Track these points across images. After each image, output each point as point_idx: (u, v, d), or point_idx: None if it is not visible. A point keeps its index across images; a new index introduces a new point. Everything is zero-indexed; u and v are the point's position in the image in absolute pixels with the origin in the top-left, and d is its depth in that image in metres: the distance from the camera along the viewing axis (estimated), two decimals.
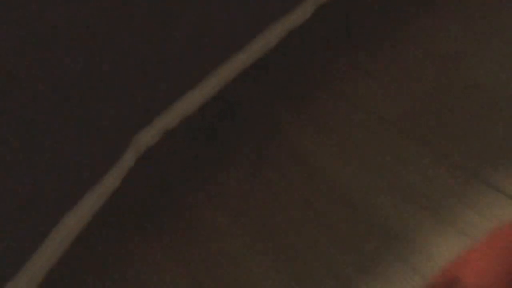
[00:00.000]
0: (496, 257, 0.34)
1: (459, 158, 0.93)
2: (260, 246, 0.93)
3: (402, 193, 0.93)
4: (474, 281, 0.34)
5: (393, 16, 1.23)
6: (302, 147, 1.06)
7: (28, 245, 0.78)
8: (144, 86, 0.93)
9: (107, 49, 0.88)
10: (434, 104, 1.02)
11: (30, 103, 0.79)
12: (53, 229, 0.81)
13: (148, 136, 0.93)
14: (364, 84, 1.12)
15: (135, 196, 1.11)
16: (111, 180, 0.89)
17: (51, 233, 0.81)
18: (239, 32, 1.00)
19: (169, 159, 1.15)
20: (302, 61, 1.23)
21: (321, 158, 1.03)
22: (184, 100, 0.96)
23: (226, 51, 0.96)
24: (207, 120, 1.19)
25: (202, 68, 0.98)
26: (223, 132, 1.16)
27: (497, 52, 1.06)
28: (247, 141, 1.12)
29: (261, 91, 1.20)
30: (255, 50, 1.00)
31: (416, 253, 0.85)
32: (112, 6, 0.85)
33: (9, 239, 0.76)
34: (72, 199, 0.82)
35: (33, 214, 0.79)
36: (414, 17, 1.21)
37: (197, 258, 0.95)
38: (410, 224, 0.88)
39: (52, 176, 0.81)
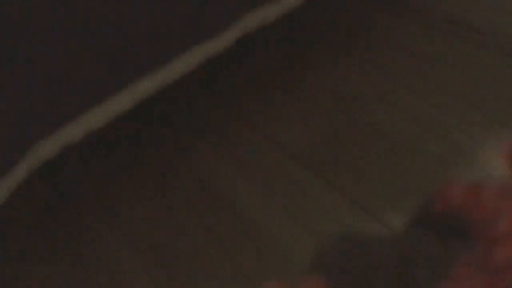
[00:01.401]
0: None
1: (353, 193, 0.94)
2: (152, 269, 0.90)
3: (304, 227, 0.92)
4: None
5: (306, 57, 1.24)
6: (207, 173, 1.04)
7: None
8: (47, 96, 0.88)
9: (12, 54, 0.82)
10: (337, 142, 1.04)
11: None
12: None
13: (47, 148, 0.88)
14: (274, 118, 1.12)
15: (27, 210, 1.05)
16: (1, 191, 0.83)
17: None
18: (160, 48, 0.97)
19: (67, 172, 1.10)
20: (217, 89, 1.21)
21: (225, 185, 1.01)
22: (90, 114, 0.91)
23: (144, 68, 0.93)
24: (110, 137, 1.14)
25: (110, 85, 0.94)
26: (128, 151, 1.12)
27: (401, 100, 1.10)
28: (153, 163, 1.08)
29: (170, 114, 1.17)
30: (175, 70, 0.97)
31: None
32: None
33: None
34: None
35: None
36: (327, 61, 1.22)
37: (81, 276, 0.90)
38: (304, 250, 0.87)
39: None
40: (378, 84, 1.14)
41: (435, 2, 1.31)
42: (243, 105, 1.16)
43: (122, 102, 0.93)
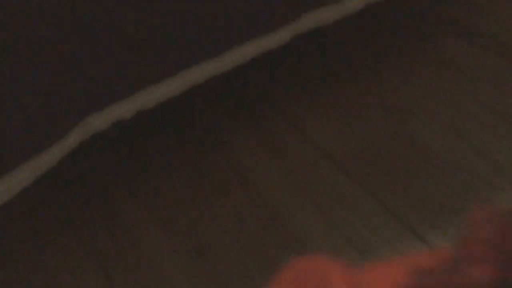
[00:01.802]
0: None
1: (390, 203, 0.94)
2: (183, 251, 0.92)
3: (335, 229, 0.93)
4: None
5: (359, 64, 1.25)
6: (244, 165, 1.05)
7: None
8: (103, 72, 0.91)
9: (77, 30, 0.85)
10: (379, 151, 1.04)
11: None
12: None
13: (99, 121, 0.91)
14: (317, 122, 1.13)
15: (65, 187, 1.08)
16: (49, 157, 0.86)
17: None
18: (214, 39, 0.99)
19: (104, 156, 1.12)
20: (263, 85, 1.23)
21: (262, 180, 1.03)
22: (144, 94, 0.94)
23: (196, 56, 0.95)
24: (146, 123, 1.17)
25: (166, 67, 0.97)
26: (171, 137, 1.14)
27: (446, 118, 1.10)
28: (195, 151, 1.10)
29: (213, 106, 1.19)
30: (226, 62, 0.99)
31: None
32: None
33: None
34: (3, 168, 0.79)
35: None
36: (374, 72, 1.23)
37: (114, 257, 0.93)
38: (334, 249, 0.88)
39: None
40: (424, 100, 1.14)
41: (486, 22, 1.30)
42: (287, 105, 1.17)
43: (174, 86, 0.96)
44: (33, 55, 0.84)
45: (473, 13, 1.34)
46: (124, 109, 0.91)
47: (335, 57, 1.27)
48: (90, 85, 0.91)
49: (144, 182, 1.05)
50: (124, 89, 0.93)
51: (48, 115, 0.87)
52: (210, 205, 1.00)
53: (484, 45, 1.25)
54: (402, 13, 1.36)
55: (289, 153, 1.08)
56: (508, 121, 1.08)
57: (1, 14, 0.77)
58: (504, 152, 1.03)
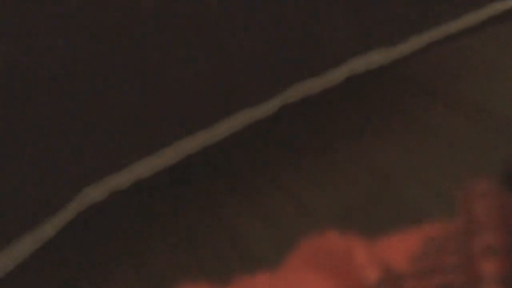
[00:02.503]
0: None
1: None
2: None
3: None
4: None
5: (339, 131, 1.30)
6: (238, 231, 1.07)
7: None
8: (101, 143, 0.94)
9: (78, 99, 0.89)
10: (365, 213, 1.07)
11: None
12: None
13: (96, 192, 0.93)
14: (306, 184, 1.16)
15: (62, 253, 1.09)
16: (49, 229, 0.87)
17: None
18: (206, 110, 1.03)
19: (99, 224, 1.14)
20: (255, 152, 1.27)
21: (252, 240, 1.04)
22: (140, 164, 0.97)
23: (190, 127, 0.98)
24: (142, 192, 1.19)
25: (160, 138, 1.00)
26: (164, 200, 1.16)
27: (431, 179, 1.14)
28: (186, 214, 1.12)
29: (207, 172, 1.22)
30: (219, 132, 1.03)
31: None
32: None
33: None
34: (4, 241, 0.80)
35: None
36: (359, 136, 1.27)
37: None
38: None
39: None
40: (405, 160, 1.19)
41: (462, 88, 1.37)
42: (278, 171, 1.20)
43: (169, 156, 0.99)
44: (30, 131, 0.87)
45: (450, 81, 1.41)
46: (121, 180, 0.94)
47: (321, 124, 1.32)
48: (87, 157, 0.94)
49: (139, 245, 1.06)
50: (120, 160, 0.96)
51: (47, 188, 0.89)
52: (203, 270, 1.01)
53: (457, 108, 1.31)
54: (383, 81, 1.43)
55: (282, 218, 1.10)
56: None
57: None
58: None
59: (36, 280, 1.03)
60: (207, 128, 1.04)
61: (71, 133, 0.93)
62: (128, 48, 0.92)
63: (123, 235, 1.10)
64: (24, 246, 0.81)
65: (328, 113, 1.35)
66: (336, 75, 1.11)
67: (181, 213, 1.12)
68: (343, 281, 0.27)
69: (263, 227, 1.09)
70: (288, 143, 1.28)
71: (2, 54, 0.81)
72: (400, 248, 0.29)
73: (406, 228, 1.05)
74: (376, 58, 1.15)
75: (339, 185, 1.15)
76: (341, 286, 0.27)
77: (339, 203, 1.11)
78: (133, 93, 0.95)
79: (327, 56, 1.08)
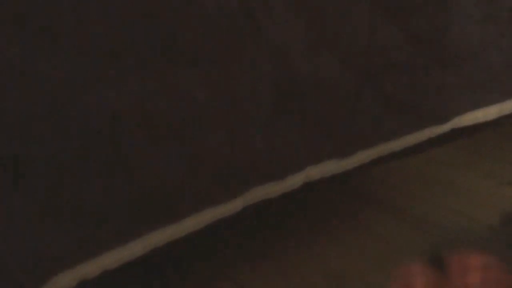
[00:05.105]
0: None
1: None
2: None
3: None
4: None
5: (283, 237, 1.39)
6: None
7: None
8: (72, 230, 0.98)
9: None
10: None
11: None
12: None
13: (64, 281, 0.95)
14: (263, 284, 1.22)
15: None
16: None
17: None
18: (170, 207, 1.10)
19: None
20: (213, 250, 1.32)
21: None
22: (108, 255, 1.01)
23: (161, 219, 1.04)
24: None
25: (127, 232, 1.05)
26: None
27: (379, 284, 1.22)
28: None
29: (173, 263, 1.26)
30: (185, 227, 1.09)
31: None
32: None
33: None
34: None
35: None
36: (314, 241, 1.37)
37: None
38: None
39: None
40: (357, 264, 1.27)
41: (403, 200, 1.49)
42: (236, 271, 1.26)
43: (136, 249, 1.03)
44: None
45: (394, 192, 1.54)
46: (90, 269, 0.97)
47: (279, 227, 1.40)
48: (55, 245, 0.98)
49: None
50: (88, 249, 1.00)
51: (15, 276, 0.92)
52: None
53: (402, 218, 1.43)
54: (337, 190, 1.54)
55: None
56: None
57: None
58: None
59: None
60: (172, 224, 1.10)
61: (39, 224, 0.96)
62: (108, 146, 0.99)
63: None
64: None
65: (287, 218, 1.44)
66: (294, 181, 1.22)
67: None
68: None
69: None
70: (246, 244, 1.34)
71: None
72: None
73: None
74: (329, 167, 1.26)
75: (294, 287, 1.21)
76: None
77: None
78: (91, 190, 1.00)
79: (287, 163, 1.19)
